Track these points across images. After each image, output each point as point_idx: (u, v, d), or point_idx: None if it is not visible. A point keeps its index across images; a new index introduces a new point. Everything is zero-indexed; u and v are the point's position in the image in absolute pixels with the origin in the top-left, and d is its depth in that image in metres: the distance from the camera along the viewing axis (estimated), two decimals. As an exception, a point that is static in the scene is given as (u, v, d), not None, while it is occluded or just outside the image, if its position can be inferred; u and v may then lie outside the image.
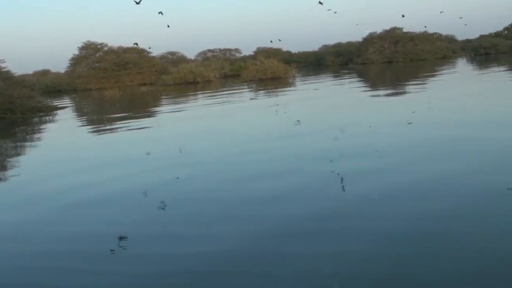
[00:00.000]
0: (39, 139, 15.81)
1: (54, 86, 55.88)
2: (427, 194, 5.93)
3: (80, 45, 59.08)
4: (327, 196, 6.21)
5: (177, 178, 7.89)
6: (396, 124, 11.52)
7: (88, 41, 58.97)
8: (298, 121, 13.58)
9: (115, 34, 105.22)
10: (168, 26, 36.38)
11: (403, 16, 33.87)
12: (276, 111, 17.36)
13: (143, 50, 59.55)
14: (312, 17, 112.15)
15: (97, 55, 59.24)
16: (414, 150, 8.46)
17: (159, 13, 29.88)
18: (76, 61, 59.16)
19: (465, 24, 60.92)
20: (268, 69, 42.07)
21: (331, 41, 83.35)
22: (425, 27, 73.22)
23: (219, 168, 8.41)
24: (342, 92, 23.97)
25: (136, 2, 21.36)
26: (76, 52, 59.37)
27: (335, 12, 40.22)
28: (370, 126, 11.37)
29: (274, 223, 5.36)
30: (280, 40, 30.10)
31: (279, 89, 29.10)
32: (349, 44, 70.58)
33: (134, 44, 38.41)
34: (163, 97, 31.57)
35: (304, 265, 4.25)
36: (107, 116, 21.39)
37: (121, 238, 5.29)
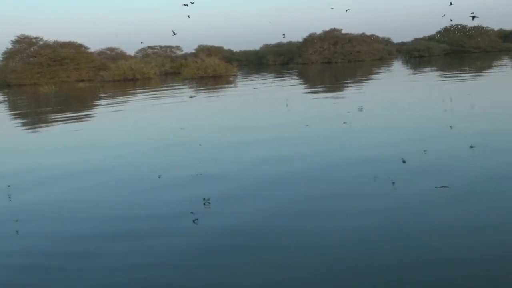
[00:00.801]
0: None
1: (-15, 81, 53.54)
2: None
3: (13, 38, 56.90)
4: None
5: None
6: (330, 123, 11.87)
7: (22, 35, 56.85)
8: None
9: (51, 28, 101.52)
10: (189, 17, 34.74)
11: (347, 10, 33.91)
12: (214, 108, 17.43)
13: (80, 45, 58.04)
14: (255, 16, 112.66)
15: (32, 49, 57.15)
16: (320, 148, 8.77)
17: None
18: (9, 55, 56.90)
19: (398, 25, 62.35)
20: (209, 67, 42.03)
21: (273, 40, 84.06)
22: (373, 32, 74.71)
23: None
24: (280, 91, 24.28)
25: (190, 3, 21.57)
26: (9, 46, 57.17)
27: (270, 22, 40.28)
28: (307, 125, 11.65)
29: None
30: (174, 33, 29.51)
31: (218, 87, 29.17)
32: (290, 44, 71.38)
33: (174, 33, 36.37)
34: (101, 94, 30.94)
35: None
36: (41, 113, 20.74)
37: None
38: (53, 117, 18.09)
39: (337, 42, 64.58)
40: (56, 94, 33.60)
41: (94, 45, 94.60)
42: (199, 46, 73.76)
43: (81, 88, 40.55)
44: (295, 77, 36.93)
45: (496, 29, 69.79)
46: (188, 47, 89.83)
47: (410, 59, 59.73)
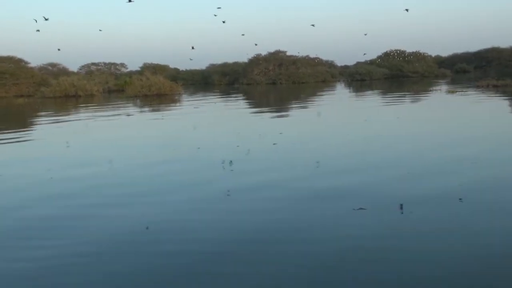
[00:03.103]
0: None
1: None
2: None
3: None
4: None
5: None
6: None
7: (-42, 48, 54.70)
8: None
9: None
10: (193, 48, 33.96)
11: (312, 25, 34.24)
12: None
13: (20, 60, 56.42)
14: (203, 36, 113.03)
15: (-32, 62, 55.01)
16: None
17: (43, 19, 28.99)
18: None
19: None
20: (154, 85, 41.78)
21: (218, 60, 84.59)
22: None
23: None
24: (222, 109, 24.48)
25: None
26: None
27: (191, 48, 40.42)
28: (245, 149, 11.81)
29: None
30: (193, 48, 29.48)
31: (159, 106, 29.09)
32: (236, 64, 72.04)
33: (192, 48, 35.53)
34: (42, 111, 30.14)
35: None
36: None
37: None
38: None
39: (282, 64, 65.69)
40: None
41: (35, 60, 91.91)
42: (145, 64, 73.35)
43: (19, 104, 39.36)
44: (240, 97, 37.27)
45: (433, 55, 73.34)
46: (134, 65, 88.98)
47: (352, 82, 61.41)
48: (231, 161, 9.70)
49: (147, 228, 5.91)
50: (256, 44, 57.32)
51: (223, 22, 32.45)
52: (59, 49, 28.78)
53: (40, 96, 46.49)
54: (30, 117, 26.47)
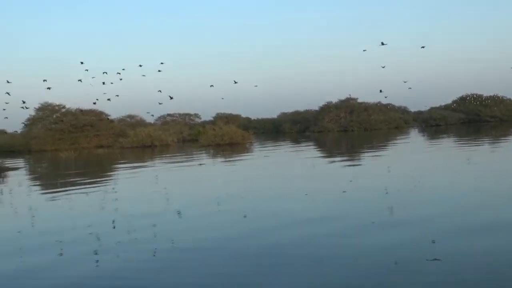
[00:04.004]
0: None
1: (8, 147, 54.72)
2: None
3: (37, 106, 58.51)
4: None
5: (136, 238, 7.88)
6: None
7: (46, 102, 58.47)
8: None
9: (73, 97, 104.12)
10: (171, 98, 36.77)
11: (383, 44, 33.77)
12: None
13: (101, 113, 59.50)
14: (272, 85, 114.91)
15: (54, 116, 58.68)
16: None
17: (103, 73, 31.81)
18: (32, 122, 58.36)
19: (409, 88, 62.95)
20: (226, 134, 42.62)
21: (290, 108, 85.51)
22: (386, 97, 76.14)
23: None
24: (295, 159, 24.45)
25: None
26: (33, 113, 58.74)
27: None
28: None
29: None
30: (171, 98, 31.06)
31: (234, 155, 29.50)
32: (307, 112, 72.45)
33: (158, 91, 39.21)
34: (120, 160, 31.40)
35: None
36: (61, 180, 21.06)
37: None
38: (72, 180, 18.36)
39: (353, 111, 65.34)
40: (76, 159, 34.22)
41: (115, 112, 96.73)
42: (217, 114, 75.17)
43: (100, 154, 41.25)
44: (311, 144, 37.21)
45: (512, 98, 70.29)
46: (207, 115, 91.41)
47: (426, 127, 59.92)
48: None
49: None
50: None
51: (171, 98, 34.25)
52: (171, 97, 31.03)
53: (118, 147, 48.64)
54: (110, 165, 27.59)
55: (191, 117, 77.76)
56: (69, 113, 58.75)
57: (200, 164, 23.97)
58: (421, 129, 56.50)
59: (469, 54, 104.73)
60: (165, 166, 24.01)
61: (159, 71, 38.10)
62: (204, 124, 66.01)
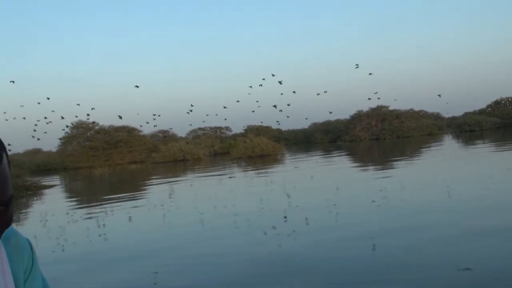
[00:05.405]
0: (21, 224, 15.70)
1: (44, 165, 56.08)
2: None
3: (71, 124, 59.84)
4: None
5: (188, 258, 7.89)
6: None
7: (80, 121, 59.77)
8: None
9: (105, 113, 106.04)
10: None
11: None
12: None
13: (134, 129, 60.42)
14: (303, 95, 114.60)
15: (88, 134, 59.96)
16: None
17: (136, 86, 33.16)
18: (67, 140, 59.71)
19: (447, 103, 62.46)
20: (257, 146, 42.71)
21: (321, 119, 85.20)
22: (439, 95, 74.76)
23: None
24: (325, 168, 24.25)
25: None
26: (68, 131, 60.09)
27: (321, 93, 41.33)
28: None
29: None
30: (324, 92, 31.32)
31: (264, 166, 29.45)
32: (337, 121, 72.11)
33: (136, 86, 41.54)
34: (153, 176, 31.72)
35: None
36: (98, 197, 21.37)
37: None
38: (105, 197, 18.60)
39: (385, 119, 64.68)
40: (110, 176, 34.74)
41: (147, 127, 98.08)
42: (248, 126, 75.32)
43: (133, 170, 41.78)
44: (342, 154, 36.91)
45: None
46: (238, 128, 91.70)
47: (460, 133, 58.81)
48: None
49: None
50: (375, 97, 56.58)
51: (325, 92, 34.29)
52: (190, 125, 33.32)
53: (151, 162, 49.24)
54: (143, 180, 27.88)
55: (222, 130, 78.21)
56: (102, 130, 59.93)
57: (230, 177, 24.02)
58: (455, 135, 55.46)
59: (502, 55, 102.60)
60: (202, 179, 24.09)
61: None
62: (235, 137, 66.32)
